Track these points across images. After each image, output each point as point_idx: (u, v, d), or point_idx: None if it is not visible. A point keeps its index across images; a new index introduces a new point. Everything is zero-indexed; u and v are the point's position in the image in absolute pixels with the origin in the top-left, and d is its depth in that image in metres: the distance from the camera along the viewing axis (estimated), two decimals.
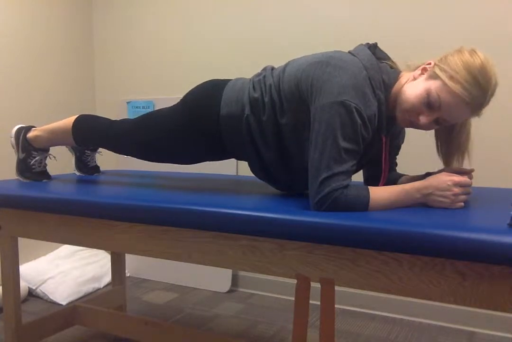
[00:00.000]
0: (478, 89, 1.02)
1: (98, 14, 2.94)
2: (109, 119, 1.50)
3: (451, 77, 1.03)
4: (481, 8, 1.95)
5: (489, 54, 1.05)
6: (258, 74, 1.29)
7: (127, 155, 1.48)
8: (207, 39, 2.58)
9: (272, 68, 1.28)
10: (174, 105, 1.37)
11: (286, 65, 1.24)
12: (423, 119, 1.09)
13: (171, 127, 1.32)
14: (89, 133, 1.50)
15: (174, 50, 2.70)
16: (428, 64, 1.11)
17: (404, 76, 1.16)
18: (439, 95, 1.05)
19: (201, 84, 1.36)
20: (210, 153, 1.35)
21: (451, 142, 1.20)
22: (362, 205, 1.04)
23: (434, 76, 1.07)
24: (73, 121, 1.52)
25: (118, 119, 1.50)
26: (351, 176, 1.08)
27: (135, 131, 1.39)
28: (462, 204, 1.06)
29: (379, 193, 1.06)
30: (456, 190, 1.04)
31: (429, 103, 1.06)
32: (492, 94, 1.05)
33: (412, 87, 1.10)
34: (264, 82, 1.24)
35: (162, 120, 1.34)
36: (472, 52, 1.05)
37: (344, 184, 1.04)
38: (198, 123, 1.29)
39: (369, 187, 1.07)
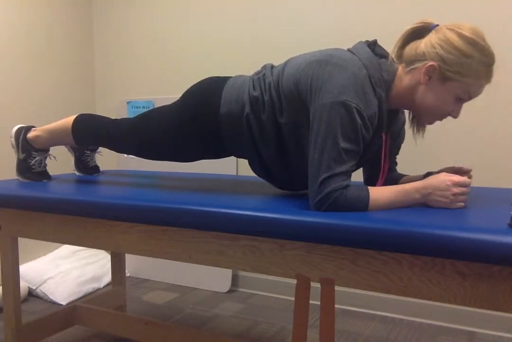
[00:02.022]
0: (490, 67, 1.07)
1: (98, 14, 2.94)
2: (109, 118, 1.50)
3: (471, 76, 1.06)
4: (482, 7, 1.95)
5: (470, 24, 1.07)
6: (258, 72, 1.29)
7: (127, 154, 1.48)
8: (207, 39, 2.58)
9: (272, 66, 1.28)
10: (173, 103, 1.37)
11: (285, 63, 1.24)
12: (455, 113, 1.14)
13: (171, 126, 1.32)
14: (89, 133, 1.50)
15: (174, 50, 2.70)
16: (430, 66, 1.08)
17: (405, 76, 1.14)
18: (467, 92, 1.08)
19: (201, 81, 1.36)
20: (209, 151, 1.35)
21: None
22: (362, 205, 1.04)
23: (449, 79, 1.07)
24: (73, 121, 1.52)
25: (118, 118, 1.50)
26: (351, 176, 1.08)
27: (135, 130, 1.39)
28: (462, 204, 1.06)
29: (379, 193, 1.06)
30: (456, 190, 1.04)
31: (458, 99, 1.10)
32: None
33: (433, 95, 1.10)
34: (264, 80, 1.24)
35: (161, 119, 1.34)
36: (458, 33, 1.06)
37: (344, 184, 1.04)
38: (198, 121, 1.29)
39: (369, 187, 1.07)
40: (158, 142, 1.35)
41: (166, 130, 1.33)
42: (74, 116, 1.54)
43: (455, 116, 1.15)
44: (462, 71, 1.05)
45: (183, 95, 1.36)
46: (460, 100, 1.11)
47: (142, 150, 1.41)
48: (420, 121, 1.23)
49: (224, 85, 1.29)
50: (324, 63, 1.11)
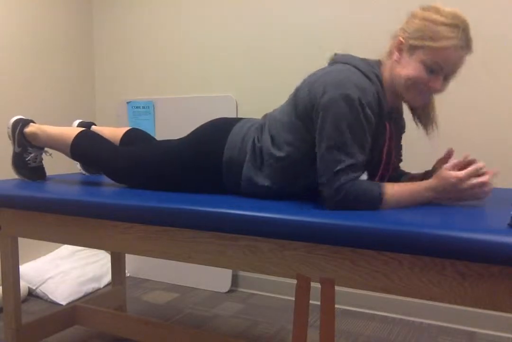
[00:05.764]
0: (456, 28, 1.06)
1: (98, 14, 2.94)
2: (113, 146, 1.48)
3: (431, 38, 1.06)
4: (480, 8, 1.95)
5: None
6: (260, 124, 1.30)
7: (126, 185, 1.47)
8: (207, 39, 2.58)
9: (267, 119, 1.30)
10: (181, 139, 1.39)
11: (267, 120, 1.27)
12: (434, 84, 1.11)
13: (177, 161, 1.33)
14: (90, 157, 1.49)
15: (174, 50, 2.69)
16: (399, 44, 1.13)
17: (386, 64, 1.19)
18: (433, 59, 1.07)
19: (211, 121, 1.38)
20: (211, 188, 1.34)
21: (426, 114, 1.25)
22: (373, 197, 1.05)
23: (415, 47, 1.09)
24: (74, 136, 1.50)
25: (120, 148, 1.48)
26: (361, 168, 1.09)
27: (140, 165, 1.38)
28: (483, 194, 1.08)
29: (392, 189, 1.07)
30: (469, 182, 1.05)
31: (430, 69, 1.09)
32: (469, 28, 1.09)
33: (404, 68, 1.12)
34: (262, 135, 1.26)
35: (168, 154, 1.35)
36: (422, 7, 1.10)
37: (355, 176, 1.06)
38: (203, 159, 1.30)
39: (380, 183, 1.09)
40: (163, 178, 1.36)
41: (172, 167, 1.33)
42: (76, 131, 1.52)
43: (436, 89, 1.12)
44: (423, 35, 1.07)
45: (192, 133, 1.38)
46: (432, 72, 1.10)
47: (146, 185, 1.41)
48: (409, 103, 1.22)
49: (231, 130, 1.30)
50: (312, 83, 1.15)
